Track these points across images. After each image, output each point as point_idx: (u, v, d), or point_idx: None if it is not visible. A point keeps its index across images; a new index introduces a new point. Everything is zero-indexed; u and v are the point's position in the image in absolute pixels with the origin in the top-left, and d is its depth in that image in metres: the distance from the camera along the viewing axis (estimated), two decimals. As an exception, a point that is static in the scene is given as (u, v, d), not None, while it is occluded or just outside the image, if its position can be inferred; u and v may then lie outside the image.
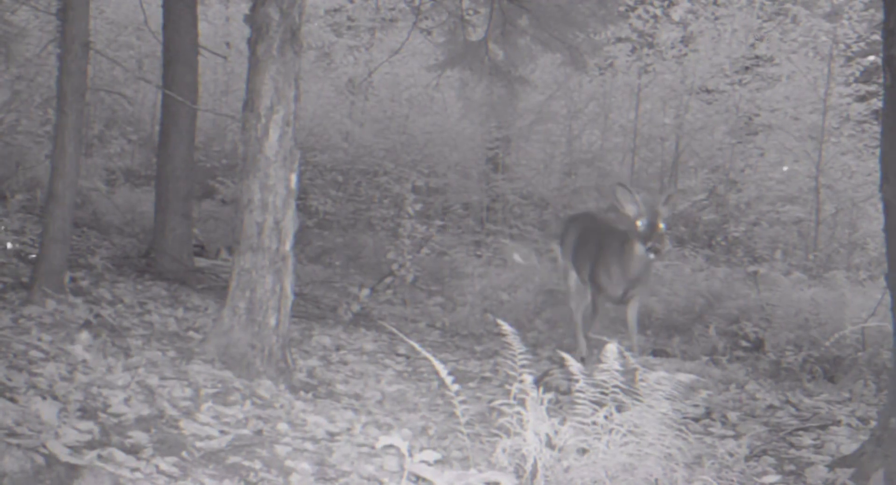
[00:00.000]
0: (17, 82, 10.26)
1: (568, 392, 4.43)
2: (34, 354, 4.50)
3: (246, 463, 3.70)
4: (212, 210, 10.80)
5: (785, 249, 10.93)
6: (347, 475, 3.75)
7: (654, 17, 12.94)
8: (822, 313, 7.38)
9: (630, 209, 5.58)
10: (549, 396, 3.12)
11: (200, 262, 8.41)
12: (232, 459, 3.72)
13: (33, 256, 6.57)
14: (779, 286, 8.45)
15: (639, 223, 5.54)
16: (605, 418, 3.08)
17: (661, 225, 5.50)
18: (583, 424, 3.07)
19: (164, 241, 7.60)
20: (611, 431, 3.05)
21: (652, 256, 5.54)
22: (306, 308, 7.44)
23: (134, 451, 3.57)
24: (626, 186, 5.69)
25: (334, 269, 9.87)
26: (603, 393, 3.16)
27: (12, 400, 3.77)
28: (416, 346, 3.77)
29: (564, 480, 2.97)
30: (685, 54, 12.98)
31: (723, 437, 4.81)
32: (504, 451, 3.04)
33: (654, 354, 7.00)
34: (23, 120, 10.27)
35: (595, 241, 6.46)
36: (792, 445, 4.82)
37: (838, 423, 5.18)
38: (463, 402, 3.18)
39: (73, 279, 6.19)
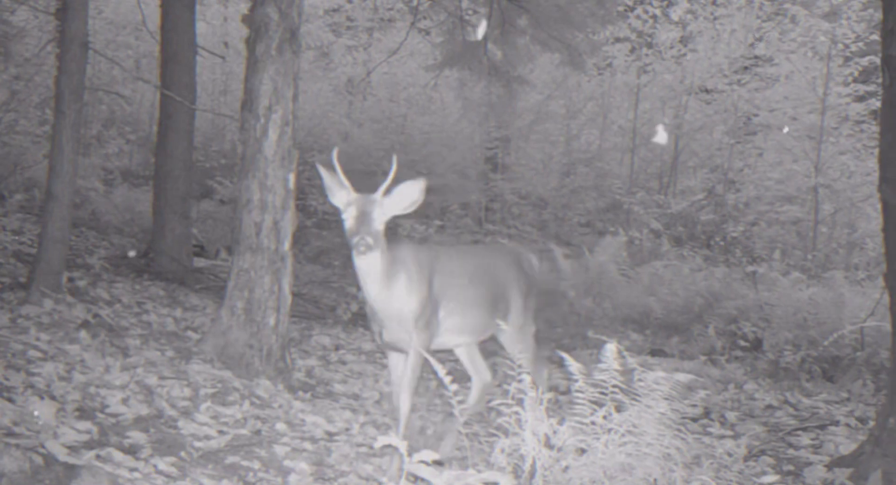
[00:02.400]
0: (15, 82, 10.25)
1: (567, 392, 4.43)
2: (32, 353, 4.50)
3: (244, 463, 3.70)
4: (210, 210, 10.79)
5: (783, 249, 10.94)
6: (346, 475, 3.76)
7: (653, 17, 12.96)
8: (820, 313, 7.39)
9: (339, 196, 3.76)
10: (548, 396, 3.12)
11: (199, 262, 8.40)
12: (230, 459, 3.72)
13: (31, 255, 6.56)
14: (777, 286, 8.45)
15: (346, 215, 3.71)
16: (604, 418, 3.08)
17: (377, 219, 3.68)
18: (581, 424, 3.07)
19: (163, 241, 7.60)
20: (609, 431, 3.05)
21: (360, 252, 3.62)
22: (305, 308, 7.43)
23: (132, 451, 3.57)
24: (327, 165, 3.85)
25: (333, 269, 9.86)
26: (602, 393, 3.16)
27: (10, 400, 3.77)
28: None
29: (563, 480, 2.97)
30: (684, 54, 13.00)
31: (721, 437, 4.81)
32: (502, 451, 3.04)
33: (653, 353, 7.00)
34: (21, 120, 10.26)
35: None
36: (790, 445, 4.82)
37: (837, 423, 5.19)
38: (461, 402, 3.18)
39: (71, 279, 6.18)
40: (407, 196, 3.75)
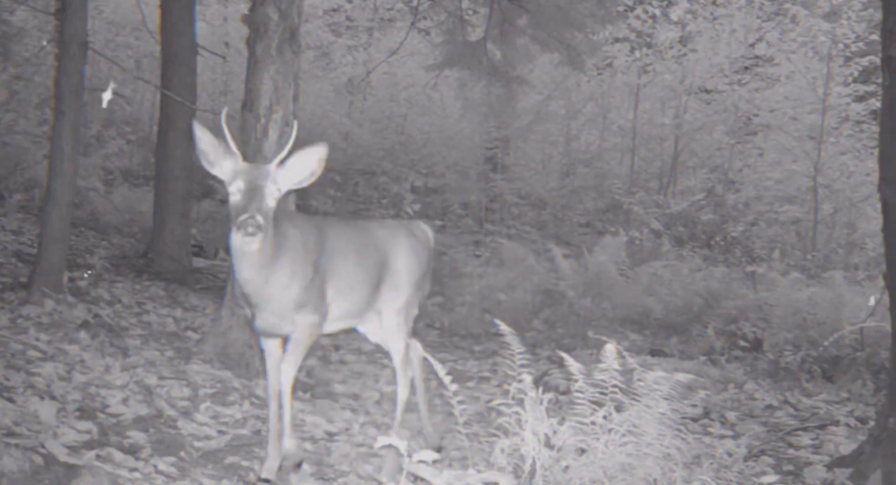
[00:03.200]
0: (14, 82, 10.24)
1: (567, 392, 4.43)
2: (32, 353, 4.50)
3: (244, 463, 3.70)
4: (210, 210, 10.78)
5: (783, 249, 10.94)
6: (346, 475, 3.76)
7: (653, 16, 12.96)
8: (820, 313, 7.38)
9: (224, 165, 3.24)
10: (548, 396, 3.12)
11: (199, 262, 8.40)
12: (230, 459, 3.72)
13: (31, 255, 6.56)
14: (777, 286, 8.45)
15: (232, 189, 3.18)
16: (604, 418, 3.08)
17: (270, 194, 3.18)
18: (581, 424, 3.07)
19: (163, 241, 7.60)
20: (609, 431, 3.05)
21: (249, 233, 3.10)
22: (305, 308, 7.43)
23: (132, 451, 3.57)
24: (204, 127, 3.28)
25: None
26: (602, 393, 3.16)
27: (10, 400, 3.77)
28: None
29: (563, 480, 2.97)
30: (684, 54, 13.00)
31: (721, 437, 4.81)
32: (502, 451, 3.04)
33: (652, 353, 7.00)
34: (20, 120, 10.25)
35: None
36: (790, 445, 4.82)
37: (837, 423, 5.19)
38: (461, 402, 3.18)
39: (71, 279, 6.18)
40: (304, 166, 3.26)
